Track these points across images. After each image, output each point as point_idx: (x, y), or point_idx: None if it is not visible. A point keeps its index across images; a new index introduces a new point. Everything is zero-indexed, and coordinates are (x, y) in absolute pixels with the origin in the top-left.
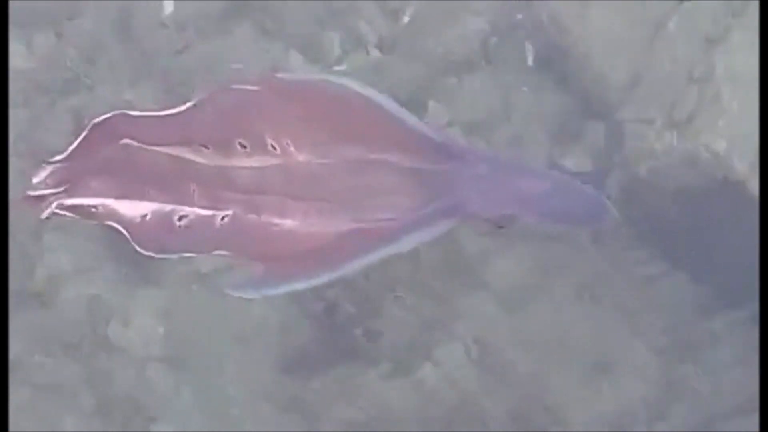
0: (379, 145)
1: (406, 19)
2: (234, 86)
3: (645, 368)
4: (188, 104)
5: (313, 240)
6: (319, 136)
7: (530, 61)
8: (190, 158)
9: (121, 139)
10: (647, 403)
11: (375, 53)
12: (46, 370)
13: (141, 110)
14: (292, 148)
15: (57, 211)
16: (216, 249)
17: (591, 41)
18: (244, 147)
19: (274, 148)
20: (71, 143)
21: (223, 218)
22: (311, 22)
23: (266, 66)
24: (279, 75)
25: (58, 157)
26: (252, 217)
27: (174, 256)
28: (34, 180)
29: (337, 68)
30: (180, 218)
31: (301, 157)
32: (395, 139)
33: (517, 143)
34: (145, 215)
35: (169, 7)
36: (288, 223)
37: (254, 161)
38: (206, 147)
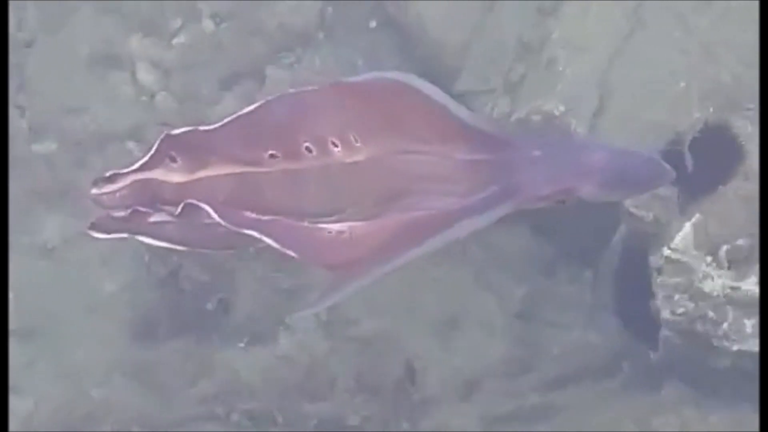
0: (433, 138)
1: None
2: (291, 91)
3: (496, 324)
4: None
5: (373, 234)
6: (376, 132)
7: (370, 27)
8: (255, 170)
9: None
10: (500, 358)
11: (211, 26)
12: None
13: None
14: (357, 144)
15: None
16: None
17: (426, 10)
18: (310, 151)
19: (336, 146)
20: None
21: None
22: None
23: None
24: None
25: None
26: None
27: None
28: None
29: (175, 41)
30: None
31: (359, 154)
32: (450, 132)
33: None
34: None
35: None
36: (348, 218)
37: (319, 162)
38: (274, 155)
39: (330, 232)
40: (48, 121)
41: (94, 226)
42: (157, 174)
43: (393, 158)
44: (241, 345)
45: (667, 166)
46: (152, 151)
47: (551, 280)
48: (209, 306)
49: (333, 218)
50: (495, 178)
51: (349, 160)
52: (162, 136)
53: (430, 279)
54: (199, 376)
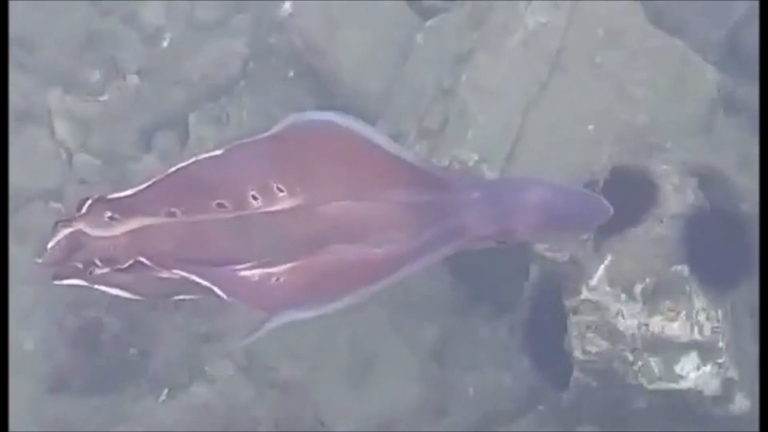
0: (374, 181)
1: (165, 43)
2: (237, 142)
3: (409, 368)
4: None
5: (315, 278)
6: (319, 178)
7: (289, 77)
8: (202, 219)
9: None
10: (415, 403)
11: (134, 80)
12: None
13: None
14: (298, 189)
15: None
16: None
17: (343, 59)
18: (256, 198)
19: (281, 191)
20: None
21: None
22: (69, 53)
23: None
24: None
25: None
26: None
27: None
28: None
29: (100, 98)
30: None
31: (301, 200)
32: (390, 174)
33: None
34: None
35: None
36: (290, 264)
37: (266, 209)
38: (222, 204)
39: (278, 278)
40: None
41: (55, 275)
42: (91, 229)
43: (334, 204)
44: (162, 398)
45: (606, 203)
46: (87, 208)
47: (465, 321)
48: (132, 350)
49: (276, 262)
50: (435, 220)
51: (291, 205)
52: (96, 196)
53: (346, 322)
54: (116, 426)
